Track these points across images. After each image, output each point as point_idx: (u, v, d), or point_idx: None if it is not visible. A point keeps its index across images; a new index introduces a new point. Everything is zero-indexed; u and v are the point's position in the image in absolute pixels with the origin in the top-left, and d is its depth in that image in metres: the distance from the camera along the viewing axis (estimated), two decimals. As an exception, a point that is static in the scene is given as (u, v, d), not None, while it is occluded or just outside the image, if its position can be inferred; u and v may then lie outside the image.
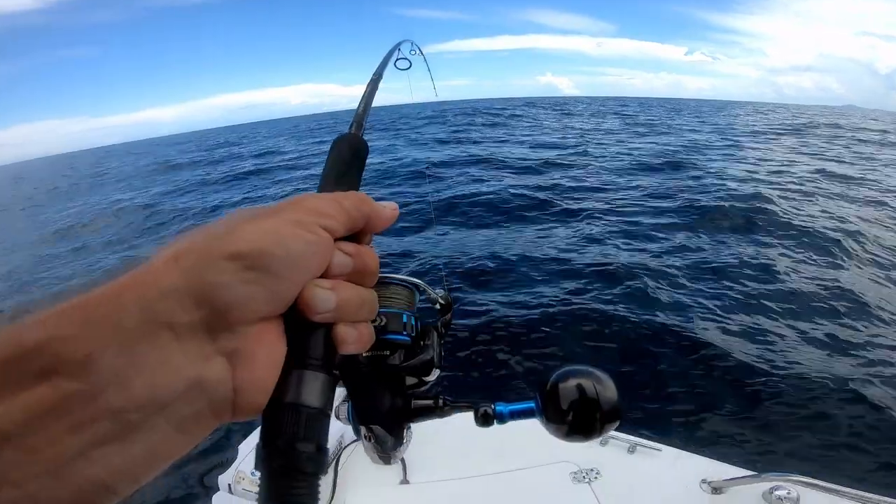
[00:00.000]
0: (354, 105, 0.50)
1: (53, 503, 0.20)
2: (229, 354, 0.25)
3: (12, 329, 0.21)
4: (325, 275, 0.29)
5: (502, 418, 0.41)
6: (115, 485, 0.22)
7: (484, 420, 0.41)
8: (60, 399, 0.20)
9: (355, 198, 0.33)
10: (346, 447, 1.64)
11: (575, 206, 7.87)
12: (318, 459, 0.27)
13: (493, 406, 0.42)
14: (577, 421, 0.37)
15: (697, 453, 1.48)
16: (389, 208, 0.35)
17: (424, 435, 1.67)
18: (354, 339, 0.30)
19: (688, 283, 4.90)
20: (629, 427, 1.58)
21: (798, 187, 9.65)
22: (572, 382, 0.37)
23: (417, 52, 0.74)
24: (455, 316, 0.52)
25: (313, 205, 0.30)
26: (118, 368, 0.22)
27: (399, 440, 0.43)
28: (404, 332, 0.41)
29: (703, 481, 1.36)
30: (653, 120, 31.48)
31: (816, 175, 11.28)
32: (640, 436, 1.54)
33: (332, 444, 1.62)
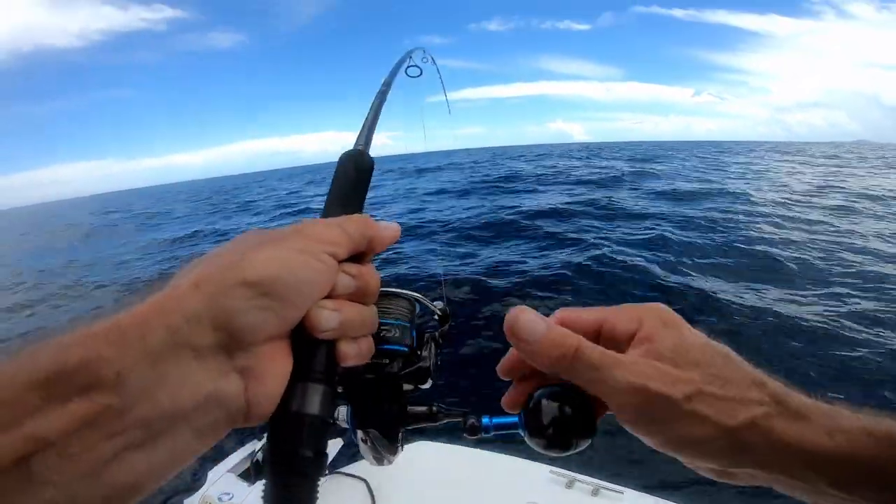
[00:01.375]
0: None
1: (88, 502, 0.23)
2: (242, 370, 0.28)
3: (56, 348, 0.24)
4: (329, 295, 0.32)
5: (488, 430, 0.44)
6: (141, 484, 0.25)
7: (471, 431, 0.44)
8: (97, 411, 0.23)
9: (359, 222, 0.35)
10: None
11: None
12: (318, 463, 0.30)
13: (479, 418, 0.44)
14: (555, 436, 0.39)
15: (661, 496, 1.50)
16: (391, 230, 0.37)
17: (394, 464, 1.65)
18: (355, 353, 0.33)
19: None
20: (593, 469, 1.62)
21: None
22: (553, 400, 0.39)
23: (430, 60, 0.70)
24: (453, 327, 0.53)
25: (319, 232, 0.33)
26: (147, 384, 0.24)
27: (394, 443, 0.45)
28: (402, 342, 0.43)
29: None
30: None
31: None
32: (604, 477, 1.57)
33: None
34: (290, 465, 0.30)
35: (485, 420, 0.44)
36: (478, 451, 1.78)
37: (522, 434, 0.41)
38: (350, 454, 1.90)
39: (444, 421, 0.46)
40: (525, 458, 1.70)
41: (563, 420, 0.38)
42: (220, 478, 1.65)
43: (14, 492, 0.21)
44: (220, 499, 1.56)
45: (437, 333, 0.49)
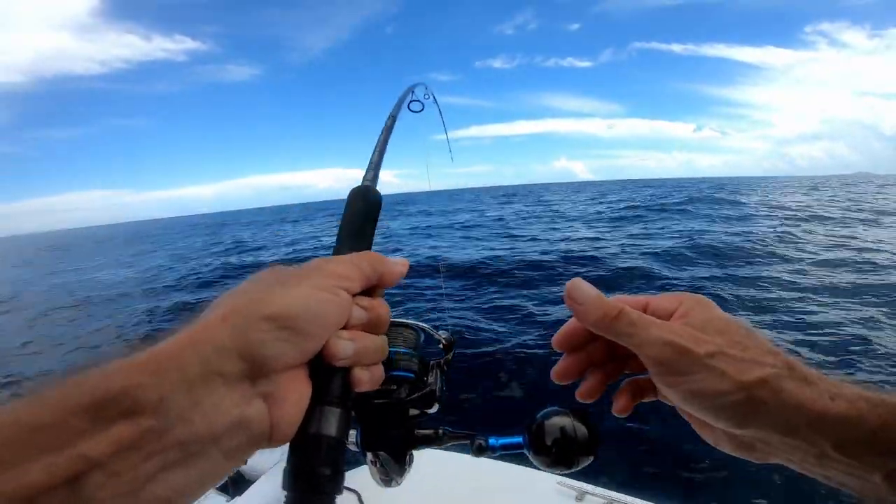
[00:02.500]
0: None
1: None
2: (266, 396, 0.31)
3: (98, 376, 0.26)
4: (345, 326, 0.35)
5: (494, 450, 0.47)
6: (176, 501, 0.27)
7: (479, 451, 0.47)
8: (139, 434, 0.25)
9: (370, 258, 0.39)
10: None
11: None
12: (335, 481, 0.33)
13: (486, 439, 0.47)
14: (559, 455, 0.43)
15: None
16: (400, 265, 0.40)
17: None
18: (368, 379, 0.36)
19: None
20: (604, 480, 1.58)
21: None
22: (555, 422, 0.43)
23: (430, 97, 0.72)
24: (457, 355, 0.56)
25: (334, 270, 0.36)
26: (183, 409, 0.26)
27: (402, 465, 0.47)
28: (409, 369, 0.46)
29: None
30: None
31: None
32: (615, 488, 1.52)
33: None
34: (310, 483, 0.32)
35: (491, 441, 0.47)
36: (480, 459, 1.70)
37: (528, 453, 0.45)
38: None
39: (451, 443, 0.48)
40: (531, 468, 1.60)
41: (566, 440, 0.42)
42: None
43: None
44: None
45: (442, 361, 0.51)
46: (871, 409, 0.34)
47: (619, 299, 0.42)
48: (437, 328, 0.53)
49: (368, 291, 0.38)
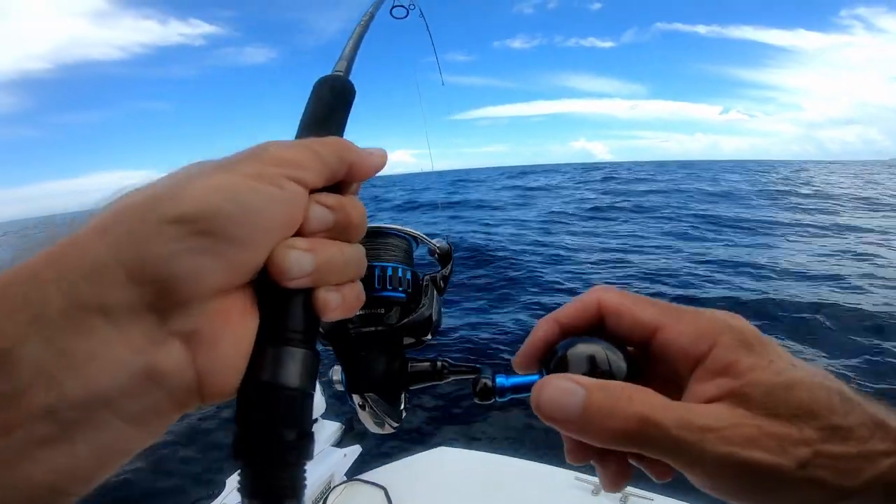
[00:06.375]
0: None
1: None
2: (186, 336, 0.22)
3: None
4: (300, 233, 0.26)
5: (503, 393, 0.35)
6: (65, 486, 0.20)
7: (482, 395, 0.35)
8: None
9: (334, 143, 0.28)
10: (335, 487, 1.61)
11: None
12: (302, 447, 0.24)
13: (493, 377, 0.35)
14: None
15: (692, 501, 1.43)
16: (377, 154, 0.30)
17: (413, 471, 1.65)
18: (338, 303, 0.27)
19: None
20: None
21: None
22: (581, 350, 0.31)
23: (416, 7, 0.63)
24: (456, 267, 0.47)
25: (278, 154, 0.25)
26: (42, 364, 0.19)
27: (395, 406, 0.40)
28: (399, 288, 0.38)
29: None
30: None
31: None
32: (632, 482, 1.52)
33: (321, 481, 1.60)
34: (268, 451, 0.23)
35: (499, 380, 0.35)
36: (499, 456, 1.75)
37: None
38: (370, 459, 1.87)
39: (451, 379, 0.39)
40: (548, 465, 1.64)
41: (597, 373, 0.29)
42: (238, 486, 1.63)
43: None
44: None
45: (437, 276, 0.43)
46: None
47: (610, 304, 0.30)
48: (430, 236, 0.44)
49: (336, 188, 0.28)
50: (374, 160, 0.30)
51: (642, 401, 0.25)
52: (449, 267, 0.45)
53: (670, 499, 1.46)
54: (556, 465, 1.63)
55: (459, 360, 0.39)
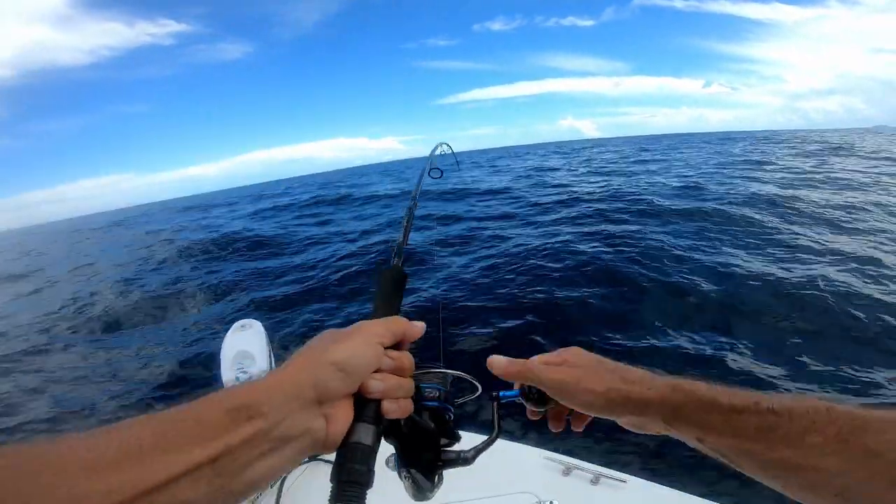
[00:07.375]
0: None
1: (234, 489, 0.36)
2: (325, 415, 0.44)
3: (236, 390, 0.40)
4: (378, 370, 0.48)
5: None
6: (261, 481, 0.39)
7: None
8: (255, 431, 0.38)
9: (397, 323, 0.53)
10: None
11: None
12: (367, 475, 0.44)
13: (498, 394, 0.63)
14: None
15: (665, 484, 1.44)
16: (419, 327, 0.54)
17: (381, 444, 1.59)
18: (395, 409, 0.48)
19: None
20: (594, 456, 1.58)
21: None
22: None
23: (449, 151, 0.86)
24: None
25: (374, 330, 0.50)
26: (279, 417, 0.40)
27: (431, 482, 0.55)
28: (437, 401, 0.57)
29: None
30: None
31: None
32: (604, 464, 1.52)
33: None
34: (350, 476, 0.43)
35: (502, 394, 0.63)
36: (466, 433, 1.69)
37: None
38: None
39: (476, 459, 0.58)
40: (517, 442, 1.63)
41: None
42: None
43: (202, 482, 0.34)
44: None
45: (465, 400, 0.63)
46: (672, 394, 0.51)
47: (540, 358, 0.61)
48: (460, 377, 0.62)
49: (397, 346, 0.52)
50: (416, 330, 0.54)
51: (527, 362, 0.60)
52: (477, 394, 0.64)
53: (641, 479, 1.47)
54: (525, 444, 1.61)
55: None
